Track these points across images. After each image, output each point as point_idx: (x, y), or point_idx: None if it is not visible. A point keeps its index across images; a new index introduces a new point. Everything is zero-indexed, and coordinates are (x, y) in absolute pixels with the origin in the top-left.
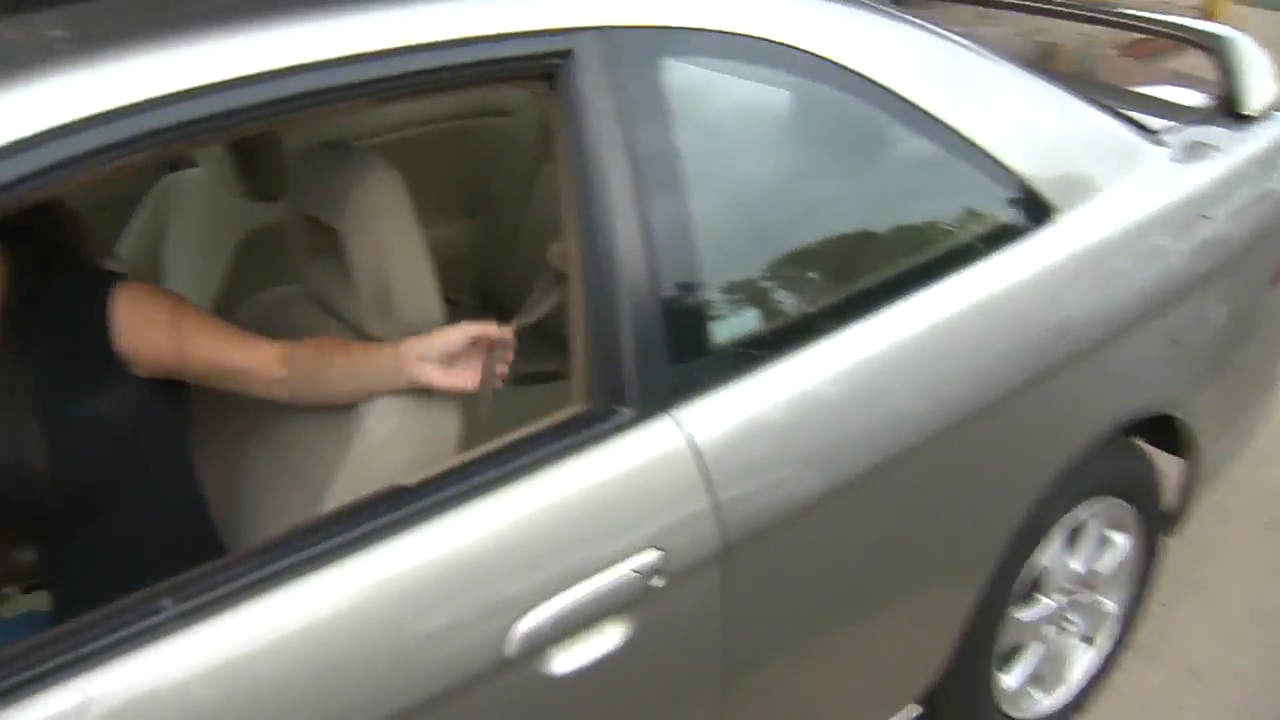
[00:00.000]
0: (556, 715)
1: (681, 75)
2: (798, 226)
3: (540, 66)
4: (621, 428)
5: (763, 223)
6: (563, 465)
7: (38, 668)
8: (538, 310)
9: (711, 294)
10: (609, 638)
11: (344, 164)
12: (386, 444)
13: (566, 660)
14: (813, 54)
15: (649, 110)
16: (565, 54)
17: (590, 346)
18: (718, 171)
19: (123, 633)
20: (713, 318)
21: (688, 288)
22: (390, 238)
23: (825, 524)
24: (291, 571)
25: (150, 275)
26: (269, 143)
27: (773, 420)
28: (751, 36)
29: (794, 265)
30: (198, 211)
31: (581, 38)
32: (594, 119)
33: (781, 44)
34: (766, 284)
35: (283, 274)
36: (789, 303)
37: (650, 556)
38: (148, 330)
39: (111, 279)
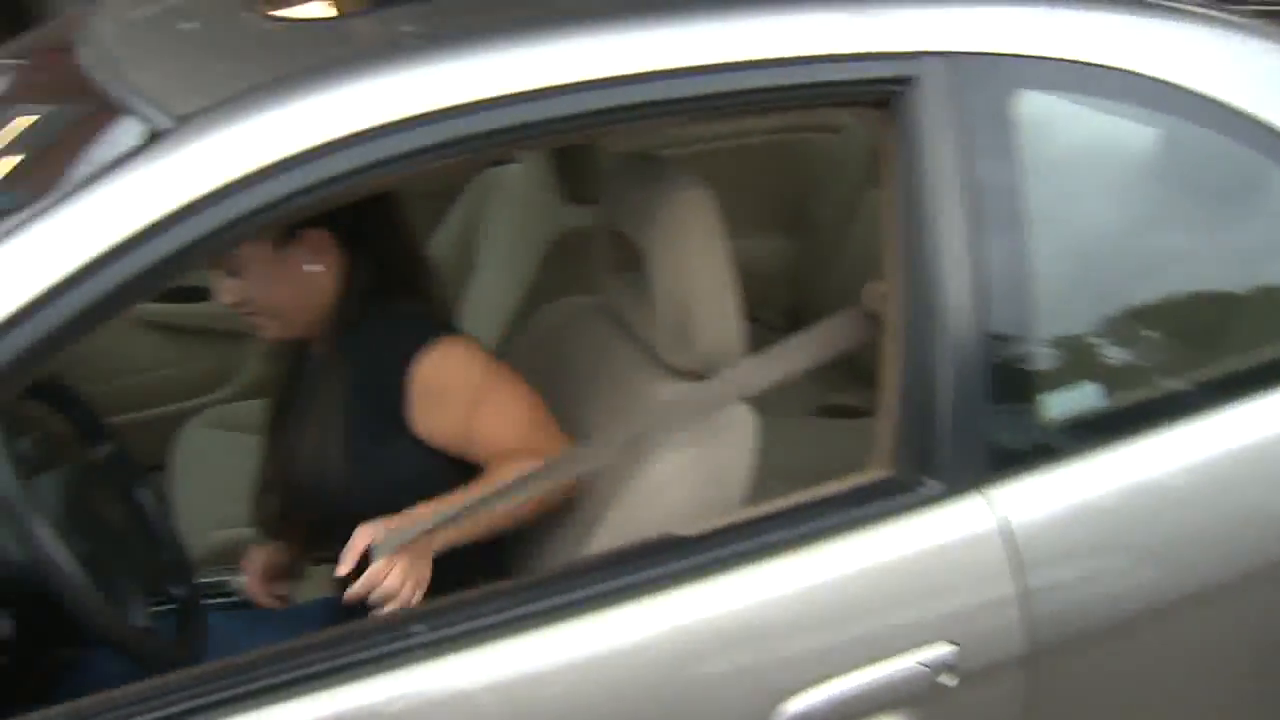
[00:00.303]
0: None
1: (1033, 108)
2: (1155, 287)
3: (877, 92)
4: (926, 502)
5: (1114, 281)
6: (855, 536)
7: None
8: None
9: (1047, 359)
10: None
11: (654, 180)
12: (670, 483)
13: None
14: (1188, 90)
15: (994, 145)
16: (906, 80)
17: (901, 405)
18: (1066, 218)
19: (375, 651)
20: (1046, 386)
21: (1020, 349)
22: (695, 262)
23: (1155, 637)
24: (562, 611)
25: (463, 268)
26: (587, 145)
27: (1104, 510)
28: (1116, 69)
29: (1148, 332)
30: (515, 208)
31: (926, 64)
32: (932, 152)
33: (1151, 78)
34: (1113, 352)
35: (589, 280)
36: (1138, 375)
37: (942, 650)
38: (439, 411)
39: (430, 336)
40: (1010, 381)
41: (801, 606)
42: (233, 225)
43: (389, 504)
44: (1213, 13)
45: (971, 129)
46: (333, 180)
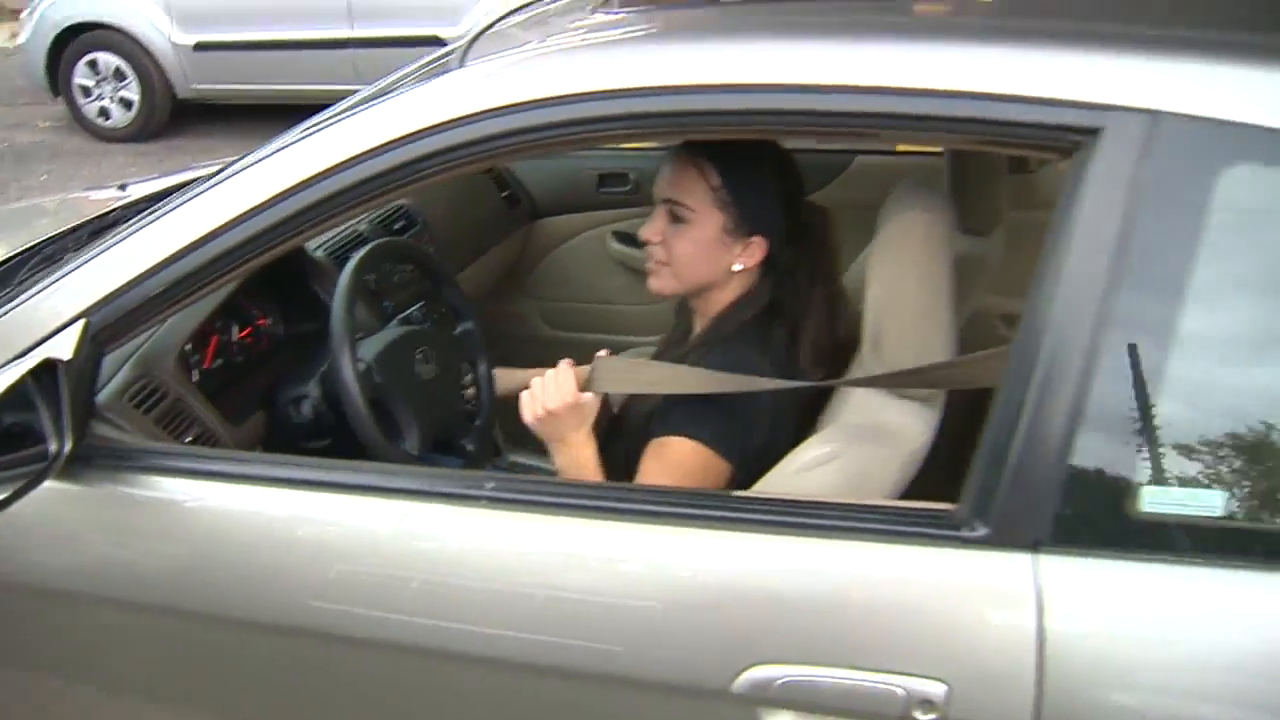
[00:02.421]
0: None
1: (1237, 184)
2: None
3: (1061, 140)
4: (968, 543)
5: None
6: (884, 548)
7: None
8: None
9: (1158, 449)
10: None
11: (895, 192)
12: (811, 469)
13: None
14: None
15: (1173, 217)
16: (1093, 132)
17: (985, 446)
18: (1238, 312)
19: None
20: (1151, 478)
21: (1127, 429)
22: (894, 280)
23: None
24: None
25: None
26: (988, 173)
27: (1167, 632)
28: None
29: None
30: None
31: (1116, 118)
32: (1093, 211)
33: None
34: (1245, 466)
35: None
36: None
37: (930, 686)
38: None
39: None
40: (1101, 456)
41: (809, 588)
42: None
43: None
44: None
45: (1153, 196)
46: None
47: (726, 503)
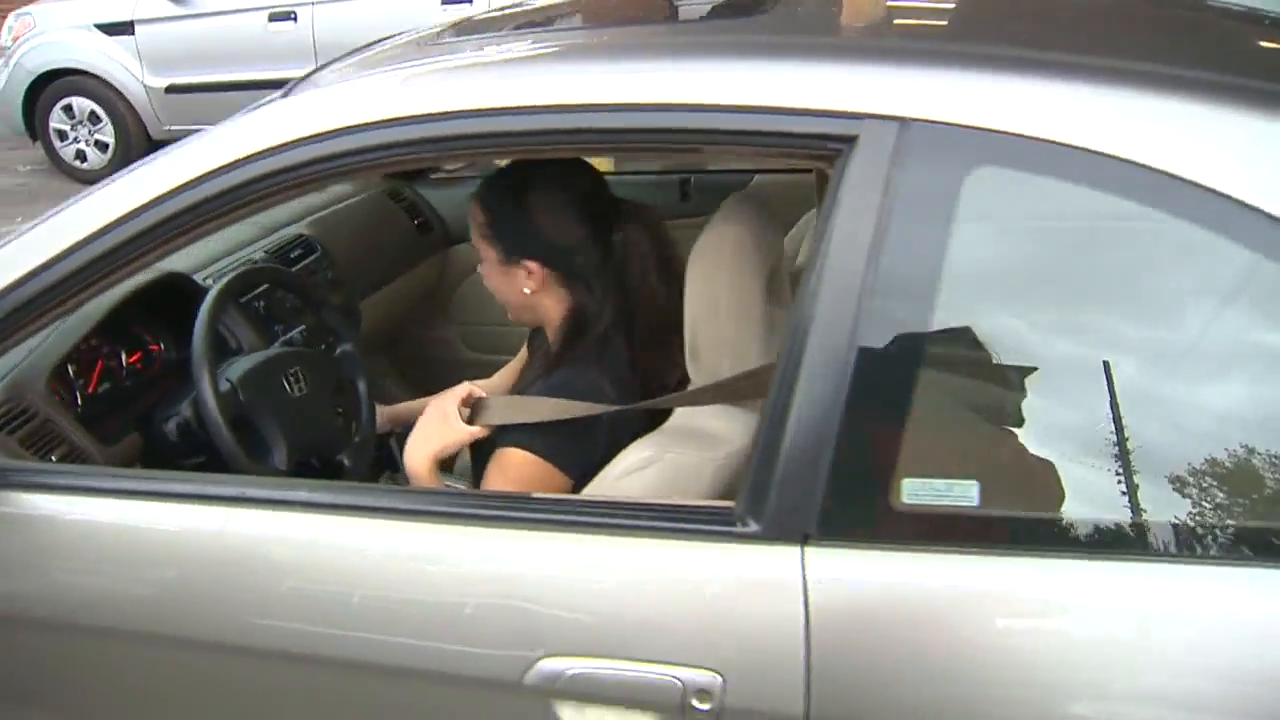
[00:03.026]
0: None
1: (982, 184)
2: (1071, 398)
3: (822, 148)
4: (740, 538)
5: (1025, 387)
6: (663, 544)
7: None
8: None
9: (916, 443)
10: None
11: (719, 210)
12: (630, 473)
13: None
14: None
15: (924, 217)
16: (850, 139)
17: (758, 445)
18: (987, 308)
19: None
20: (910, 471)
21: (881, 425)
22: (705, 292)
23: None
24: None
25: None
26: None
27: (915, 615)
28: (1090, 151)
29: (1045, 445)
30: None
31: (870, 125)
32: (851, 212)
33: (1139, 165)
34: (1000, 456)
35: None
36: (1033, 489)
37: (703, 676)
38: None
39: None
40: (863, 451)
41: (594, 584)
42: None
43: None
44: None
45: (905, 198)
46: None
47: (516, 503)
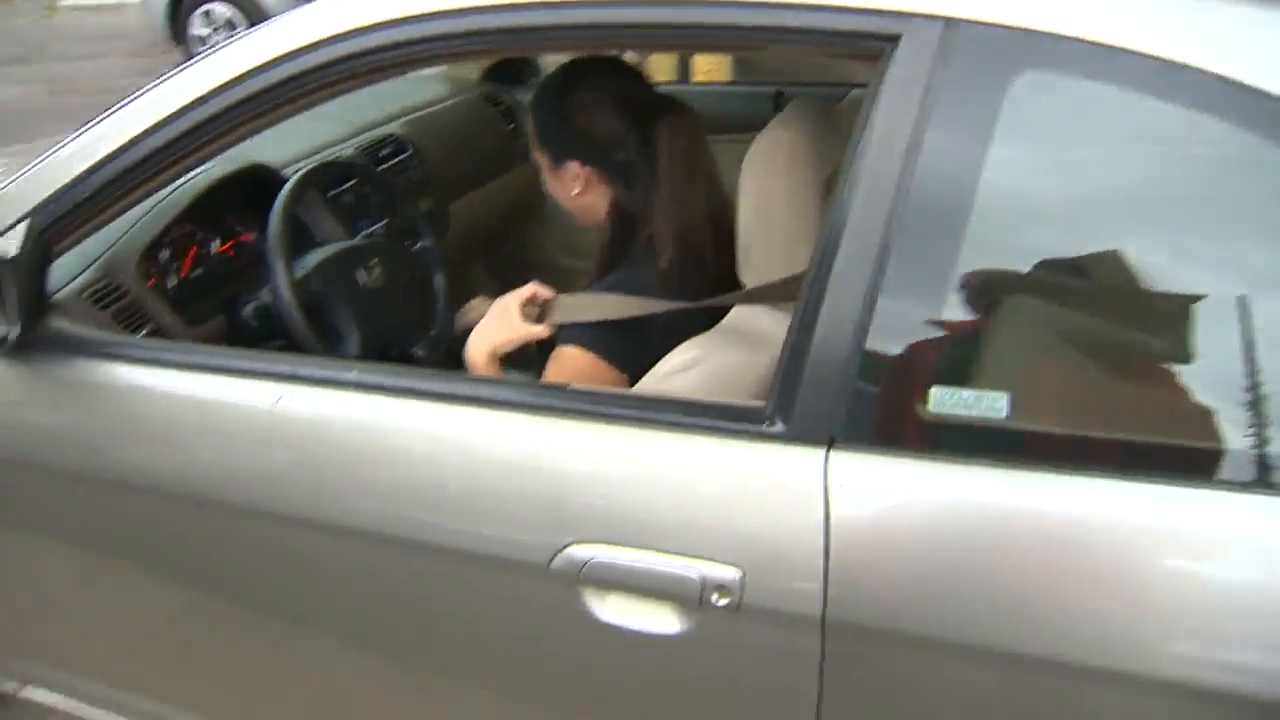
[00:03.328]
0: (587, 651)
1: (1026, 90)
2: (1112, 310)
3: (866, 47)
4: (767, 437)
5: (1066, 296)
6: (692, 440)
7: None
8: None
9: (946, 351)
10: (663, 621)
11: (779, 116)
12: (676, 373)
13: (610, 610)
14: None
15: (960, 120)
16: (893, 38)
17: (788, 346)
18: (1026, 213)
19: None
20: (941, 378)
21: (914, 329)
22: (759, 195)
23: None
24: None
25: None
26: None
27: (943, 526)
28: (1147, 55)
29: (1093, 355)
30: None
31: (914, 24)
32: (889, 113)
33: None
34: (1032, 368)
35: None
36: (1068, 405)
37: (724, 571)
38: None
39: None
40: (892, 358)
41: (623, 475)
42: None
43: None
44: None
45: (946, 100)
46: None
47: (553, 394)
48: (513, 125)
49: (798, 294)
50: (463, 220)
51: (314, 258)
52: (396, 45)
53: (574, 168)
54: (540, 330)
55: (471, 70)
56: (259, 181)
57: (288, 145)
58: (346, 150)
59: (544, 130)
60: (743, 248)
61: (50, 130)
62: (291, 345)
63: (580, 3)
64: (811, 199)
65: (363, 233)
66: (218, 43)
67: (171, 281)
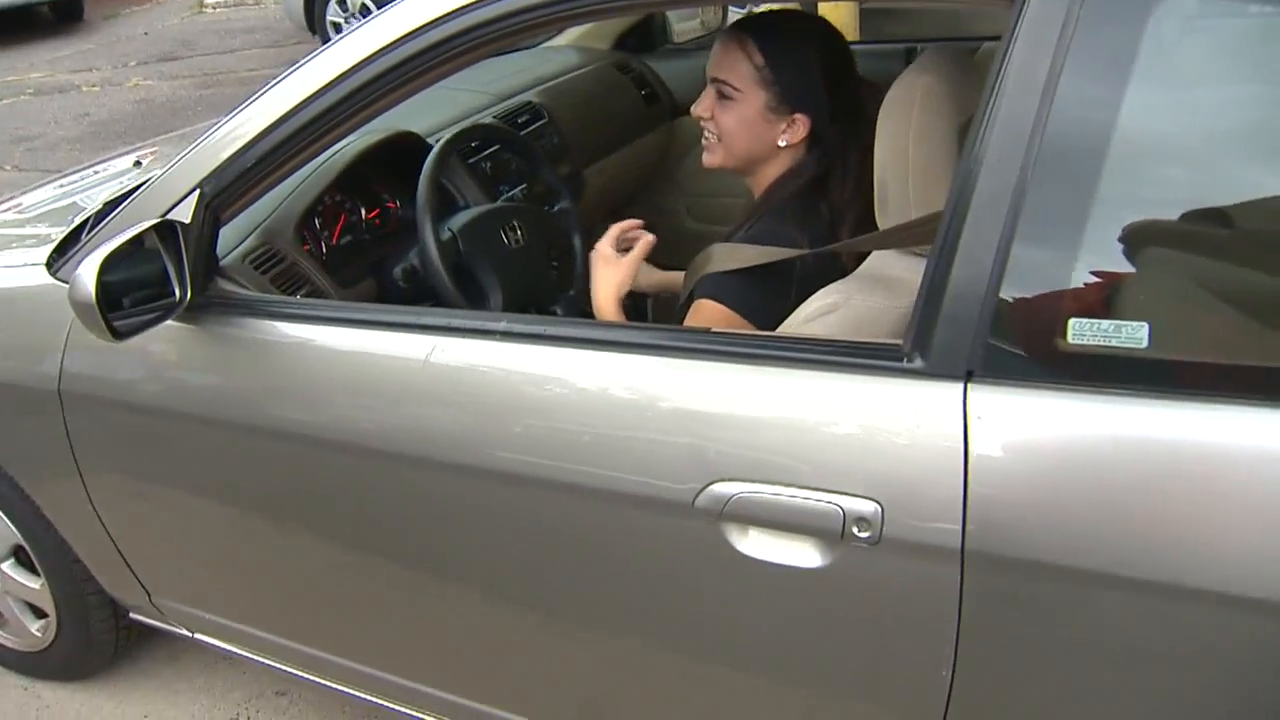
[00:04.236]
0: (730, 585)
1: (1166, 20)
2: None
3: None
4: (906, 374)
5: (1213, 233)
6: (830, 377)
7: None
8: None
9: (1085, 283)
10: (805, 556)
11: (916, 62)
12: (815, 318)
13: (753, 545)
14: None
15: (1103, 55)
16: None
17: (925, 284)
18: (1168, 146)
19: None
20: (1079, 311)
21: (1052, 261)
22: (895, 140)
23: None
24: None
25: None
26: None
27: (1087, 458)
28: None
29: (1232, 290)
30: None
31: None
32: (1027, 52)
33: None
34: (1176, 301)
35: None
36: (1209, 335)
37: (864, 505)
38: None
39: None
40: (1030, 290)
41: (760, 413)
42: None
43: None
44: None
45: (1086, 32)
46: None
47: (695, 338)
48: (644, 91)
49: (933, 234)
50: (595, 186)
51: (458, 220)
52: (543, 5)
53: (800, 119)
54: (638, 256)
55: (602, 39)
56: (404, 150)
57: (429, 115)
58: (485, 119)
59: (778, 71)
60: (879, 191)
61: (200, 120)
62: (439, 304)
63: None
64: (947, 142)
65: (504, 196)
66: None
67: (324, 248)
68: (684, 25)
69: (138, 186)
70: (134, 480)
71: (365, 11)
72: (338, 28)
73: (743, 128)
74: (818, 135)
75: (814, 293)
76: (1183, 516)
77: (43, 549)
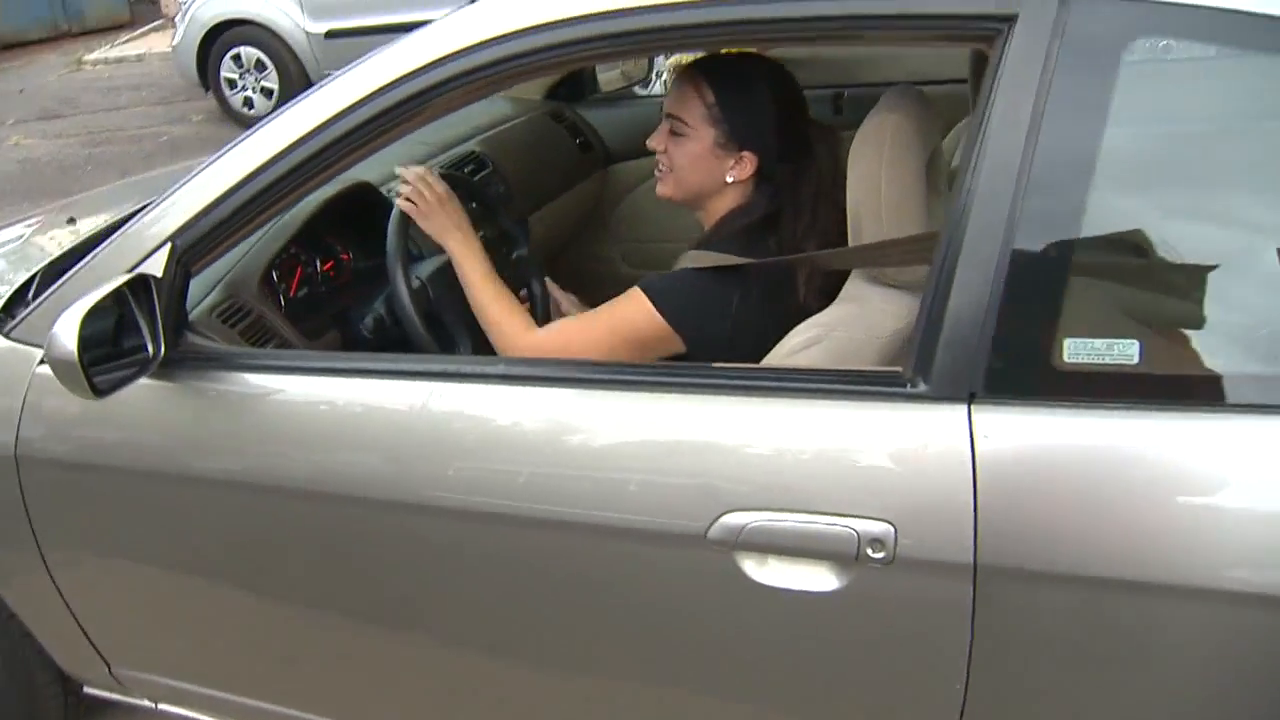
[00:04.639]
0: (744, 613)
1: (1143, 58)
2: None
3: (982, 28)
4: (910, 398)
5: (1193, 253)
6: (834, 405)
7: None
8: None
9: (1076, 304)
10: (819, 579)
11: (881, 100)
12: (798, 351)
13: (768, 573)
14: None
15: (1084, 92)
16: (1009, 18)
17: (924, 312)
18: (1150, 176)
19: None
20: (1072, 330)
21: (1043, 287)
22: (867, 176)
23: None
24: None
25: None
26: None
27: (1084, 471)
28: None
29: (1211, 306)
30: None
31: (1030, 4)
32: (1010, 90)
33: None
34: (1164, 315)
35: None
36: (1195, 349)
37: (877, 526)
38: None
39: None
40: (1025, 313)
41: (775, 443)
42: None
43: None
44: None
45: (1066, 72)
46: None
47: (706, 374)
48: (579, 140)
49: (897, 258)
50: (537, 233)
51: (426, 268)
52: (552, 47)
53: (747, 157)
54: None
55: (535, 89)
56: (352, 200)
57: (374, 165)
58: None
59: (727, 109)
60: (852, 223)
61: (89, 181)
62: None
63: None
64: (917, 177)
65: None
66: (245, 85)
67: (281, 300)
68: (607, 76)
69: (90, 241)
70: (96, 544)
71: (260, 66)
72: (231, 84)
73: (692, 162)
74: (765, 173)
75: (752, 320)
76: (1186, 520)
77: None
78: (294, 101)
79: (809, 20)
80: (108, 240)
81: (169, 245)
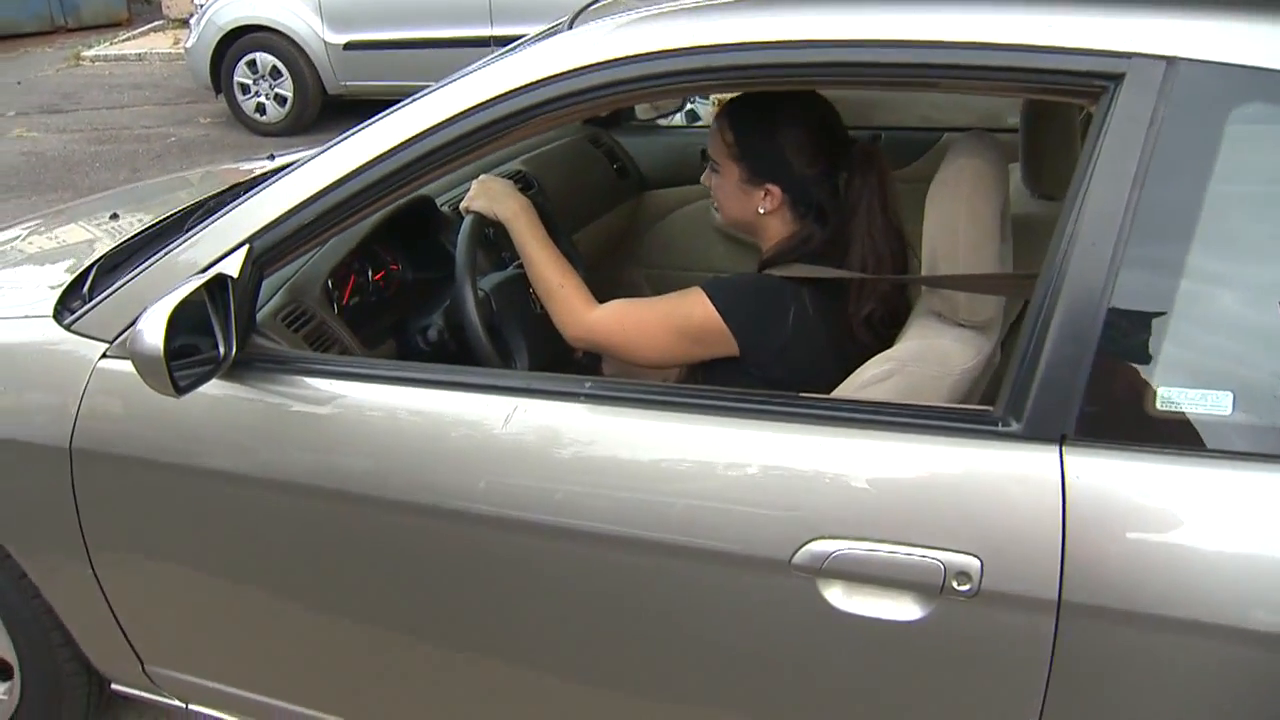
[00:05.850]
0: (825, 640)
1: (1246, 121)
2: None
3: (1089, 85)
4: (1002, 437)
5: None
6: (927, 441)
7: None
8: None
9: (1173, 353)
10: (902, 609)
11: (956, 144)
12: (871, 384)
13: (850, 601)
14: None
15: (1188, 154)
16: (1117, 77)
17: (1020, 354)
18: (1251, 232)
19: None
20: (1169, 379)
21: (1143, 332)
22: (947, 218)
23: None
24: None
25: None
26: (1061, 141)
27: (1168, 518)
28: None
29: None
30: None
31: (1137, 64)
32: (1115, 148)
33: None
34: (1253, 370)
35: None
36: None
37: (965, 560)
38: None
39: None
40: (1122, 360)
41: (865, 475)
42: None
43: None
44: None
45: (1171, 132)
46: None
47: (796, 403)
48: (616, 165)
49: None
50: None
51: (489, 281)
52: (625, 81)
53: (772, 189)
54: None
55: None
56: (403, 212)
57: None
58: None
59: (746, 148)
60: (928, 260)
61: (97, 177)
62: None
63: (811, 43)
64: (994, 224)
65: (511, 264)
66: (259, 91)
67: (336, 308)
68: (642, 105)
69: (142, 233)
70: (146, 543)
71: (276, 74)
72: (244, 89)
73: (728, 197)
74: (801, 202)
75: (809, 334)
76: (1273, 569)
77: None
78: (382, 114)
79: (917, 67)
80: (181, 238)
81: (246, 247)
